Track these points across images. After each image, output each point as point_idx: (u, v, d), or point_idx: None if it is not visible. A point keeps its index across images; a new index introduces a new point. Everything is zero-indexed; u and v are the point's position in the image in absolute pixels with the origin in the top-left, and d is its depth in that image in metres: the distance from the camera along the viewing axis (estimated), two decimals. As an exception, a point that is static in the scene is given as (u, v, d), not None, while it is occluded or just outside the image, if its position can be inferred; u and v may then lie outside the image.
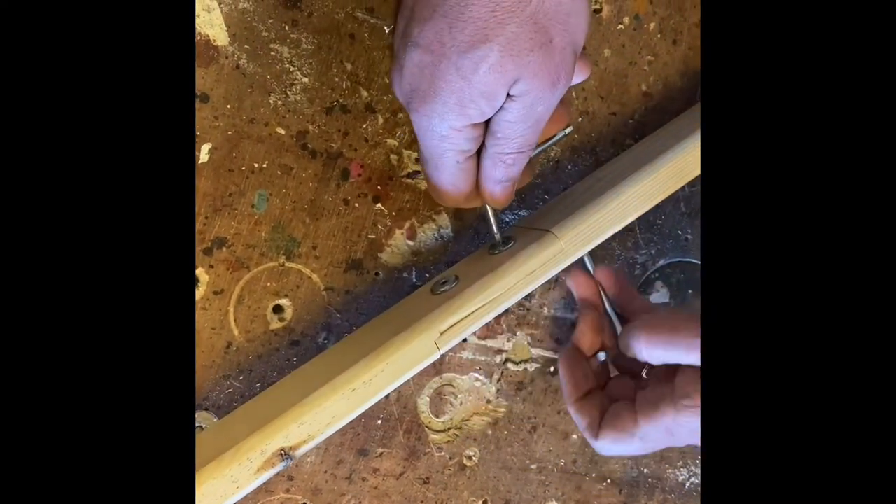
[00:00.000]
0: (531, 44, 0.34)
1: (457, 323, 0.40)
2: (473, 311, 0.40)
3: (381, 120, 0.44)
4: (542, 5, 0.34)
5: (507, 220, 0.49)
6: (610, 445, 0.44)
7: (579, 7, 0.35)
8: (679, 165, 0.45)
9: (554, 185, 0.50)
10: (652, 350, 0.41)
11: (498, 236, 0.43)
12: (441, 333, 0.40)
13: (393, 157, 0.45)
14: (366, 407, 0.39)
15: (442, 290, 0.42)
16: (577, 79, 0.39)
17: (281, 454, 0.38)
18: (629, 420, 0.43)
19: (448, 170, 0.39)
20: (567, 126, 0.43)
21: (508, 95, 0.36)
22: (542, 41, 0.34)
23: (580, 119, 0.49)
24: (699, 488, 0.55)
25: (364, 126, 0.44)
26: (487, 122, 0.38)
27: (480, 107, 0.36)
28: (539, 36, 0.34)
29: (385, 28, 0.43)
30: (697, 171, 0.46)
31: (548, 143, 0.42)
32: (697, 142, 0.45)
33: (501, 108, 0.36)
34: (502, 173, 0.39)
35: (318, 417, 0.38)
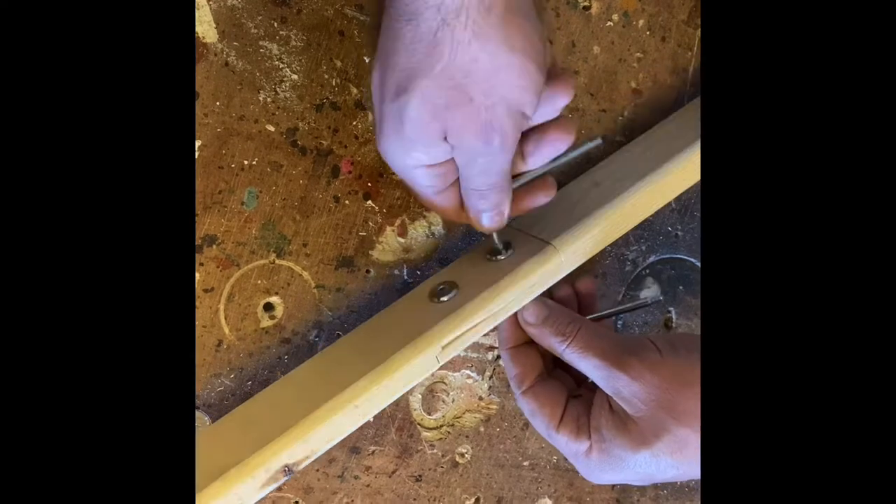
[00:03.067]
0: (448, 100, 0.33)
1: (458, 337, 0.40)
2: (475, 325, 0.41)
3: (370, 117, 0.44)
4: (453, 63, 0.32)
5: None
6: (527, 412, 0.43)
7: (509, 62, 0.33)
8: (677, 176, 0.45)
9: (544, 182, 0.50)
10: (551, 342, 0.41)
11: (497, 244, 0.43)
12: (443, 347, 0.40)
13: (383, 154, 0.45)
14: (367, 419, 0.39)
15: (442, 299, 0.42)
16: (562, 101, 0.38)
17: (284, 470, 0.38)
18: (553, 415, 0.42)
19: (424, 197, 0.40)
20: (595, 139, 0.42)
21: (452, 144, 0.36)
22: (459, 99, 0.33)
23: (569, 115, 0.49)
24: (691, 484, 0.55)
25: (354, 123, 0.44)
26: None
27: (421, 151, 0.36)
28: (456, 94, 0.33)
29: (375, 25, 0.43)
30: (694, 181, 0.46)
31: (572, 154, 0.41)
32: (696, 151, 0.46)
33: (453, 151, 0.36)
34: (479, 204, 0.39)
35: (321, 434, 0.38)
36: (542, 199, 0.42)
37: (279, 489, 0.45)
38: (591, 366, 0.40)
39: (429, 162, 0.36)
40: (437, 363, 0.40)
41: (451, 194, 0.39)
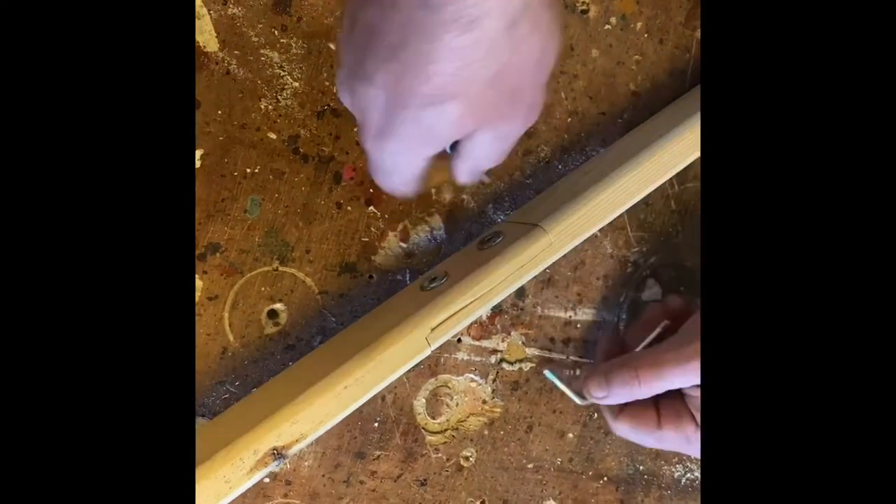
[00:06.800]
0: (499, 99, 0.33)
1: (447, 319, 0.40)
2: (464, 307, 0.41)
3: (371, 123, 0.44)
4: (510, 62, 0.31)
5: (498, 221, 0.49)
6: (626, 432, 0.47)
7: (551, 49, 0.34)
8: (664, 158, 0.46)
9: (544, 185, 0.50)
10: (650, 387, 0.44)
11: (488, 234, 0.44)
12: (432, 329, 0.40)
13: (384, 159, 0.45)
14: (358, 404, 0.39)
15: (431, 286, 0.42)
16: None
17: (273, 453, 0.38)
18: (651, 419, 0.46)
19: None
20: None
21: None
22: (510, 95, 0.33)
23: (569, 119, 0.50)
24: (695, 484, 0.55)
25: (355, 129, 0.44)
26: None
27: (436, 147, 0.35)
28: (508, 91, 0.33)
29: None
30: (682, 164, 0.47)
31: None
32: (680, 134, 0.46)
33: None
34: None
35: (310, 416, 0.38)
36: None
37: (285, 495, 0.45)
38: (671, 376, 0.43)
39: (438, 151, 0.35)
40: (428, 346, 0.40)
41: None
